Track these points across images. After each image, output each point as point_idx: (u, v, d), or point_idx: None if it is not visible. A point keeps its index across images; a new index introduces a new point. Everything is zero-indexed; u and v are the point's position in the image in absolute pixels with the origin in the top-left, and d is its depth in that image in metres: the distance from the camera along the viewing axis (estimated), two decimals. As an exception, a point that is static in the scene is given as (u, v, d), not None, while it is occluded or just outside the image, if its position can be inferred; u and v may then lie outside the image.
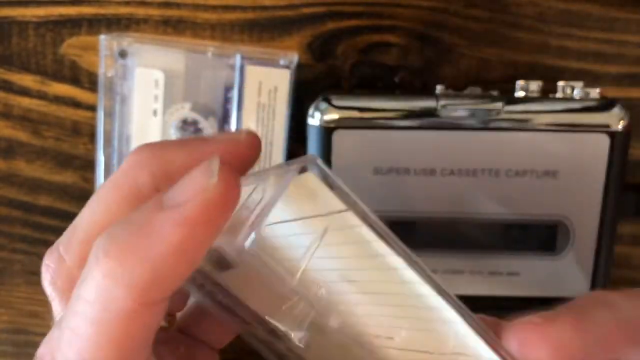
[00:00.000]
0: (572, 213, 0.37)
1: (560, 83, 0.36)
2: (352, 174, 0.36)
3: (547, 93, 0.36)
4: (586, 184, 0.36)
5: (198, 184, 0.18)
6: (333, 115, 0.35)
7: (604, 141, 0.35)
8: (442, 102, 0.35)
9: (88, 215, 0.23)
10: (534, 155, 0.37)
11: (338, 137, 0.36)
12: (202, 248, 0.19)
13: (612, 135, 0.35)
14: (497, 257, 0.37)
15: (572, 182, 0.36)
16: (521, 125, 0.35)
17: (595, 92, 0.35)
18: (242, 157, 0.23)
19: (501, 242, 0.37)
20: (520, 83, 0.36)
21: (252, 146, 0.23)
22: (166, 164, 0.22)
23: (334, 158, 0.36)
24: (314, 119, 0.35)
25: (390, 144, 0.36)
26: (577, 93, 0.36)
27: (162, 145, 0.23)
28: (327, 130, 0.35)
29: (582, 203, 0.36)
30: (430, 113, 0.35)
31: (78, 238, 0.23)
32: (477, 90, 0.36)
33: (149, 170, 0.22)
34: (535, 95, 0.36)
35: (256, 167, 0.38)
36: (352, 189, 0.36)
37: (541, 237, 0.37)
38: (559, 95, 0.36)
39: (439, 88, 0.36)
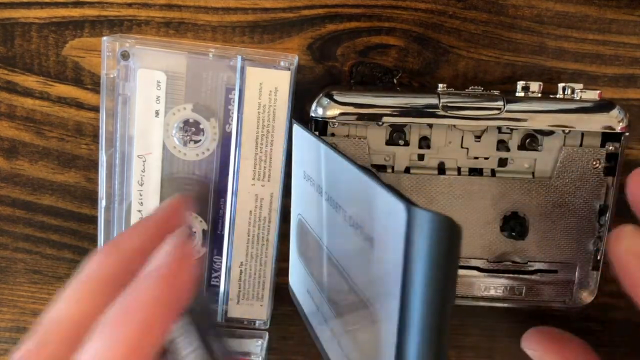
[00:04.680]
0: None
1: (561, 84, 0.37)
2: None
3: (547, 94, 0.37)
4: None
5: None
6: (335, 111, 0.35)
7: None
8: (444, 99, 0.35)
9: (70, 307, 0.25)
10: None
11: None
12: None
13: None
14: None
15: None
16: (521, 125, 0.36)
17: (594, 94, 0.36)
18: (174, 220, 0.29)
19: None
20: (521, 83, 0.36)
21: (177, 210, 0.29)
22: (123, 254, 0.26)
23: None
24: (316, 114, 0.36)
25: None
26: (576, 94, 0.36)
27: (115, 243, 0.27)
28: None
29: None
30: (431, 110, 0.35)
31: (65, 326, 0.25)
32: (479, 89, 0.37)
33: (111, 266, 0.26)
34: (535, 95, 0.36)
35: (257, 169, 0.38)
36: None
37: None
38: (559, 96, 0.36)
39: (440, 86, 0.37)
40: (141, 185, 0.39)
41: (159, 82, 0.38)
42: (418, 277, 0.21)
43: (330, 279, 0.32)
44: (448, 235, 0.21)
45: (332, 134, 0.36)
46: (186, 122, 0.39)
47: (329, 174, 0.31)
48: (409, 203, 0.22)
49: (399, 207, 0.22)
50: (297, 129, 0.36)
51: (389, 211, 0.23)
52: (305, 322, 0.37)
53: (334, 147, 0.31)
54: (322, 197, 0.32)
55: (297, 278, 0.38)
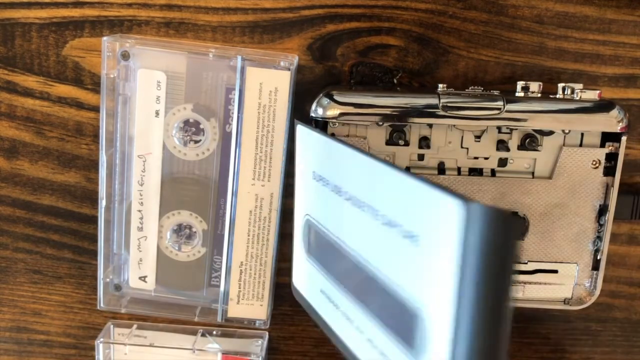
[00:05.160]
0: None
1: (560, 84, 0.37)
2: None
3: (547, 94, 0.37)
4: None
5: None
6: (335, 111, 0.36)
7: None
8: (444, 99, 0.35)
9: None
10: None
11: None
12: None
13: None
14: None
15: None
16: (521, 125, 0.36)
17: (594, 94, 0.36)
18: None
19: None
20: (520, 83, 0.37)
21: None
22: None
23: None
24: (316, 114, 0.36)
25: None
26: (576, 94, 0.36)
27: None
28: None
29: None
30: (431, 110, 0.35)
31: None
32: (479, 89, 0.37)
33: None
34: (535, 95, 0.36)
35: (257, 169, 0.38)
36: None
37: None
38: (559, 96, 0.36)
39: (440, 86, 0.37)
40: (141, 185, 0.39)
41: (159, 82, 0.38)
42: (473, 274, 0.21)
43: (355, 279, 0.32)
44: (507, 230, 0.20)
45: (332, 134, 0.36)
46: (186, 122, 0.39)
47: (350, 173, 0.31)
48: (464, 199, 0.22)
49: (455, 202, 0.22)
50: (302, 129, 0.36)
51: (439, 207, 0.23)
52: (318, 321, 0.37)
53: (356, 147, 0.31)
54: (340, 197, 0.32)
55: (306, 278, 0.38)
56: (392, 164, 0.28)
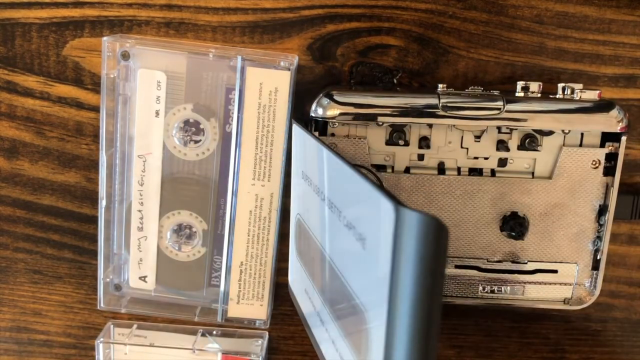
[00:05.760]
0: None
1: (560, 84, 0.37)
2: None
3: (547, 94, 0.37)
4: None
5: None
6: (335, 111, 0.36)
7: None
8: (444, 99, 0.35)
9: None
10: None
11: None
12: None
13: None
14: None
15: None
16: (521, 125, 0.36)
17: (594, 94, 0.36)
18: None
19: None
20: (520, 83, 0.37)
21: None
22: None
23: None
24: (316, 114, 0.36)
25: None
26: (576, 94, 0.36)
27: None
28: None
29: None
30: (431, 110, 0.35)
31: None
32: (479, 89, 0.37)
33: None
34: (535, 95, 0.36)
35: (257, 169, 0.38)
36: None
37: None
38: (558, 96, 0.36)
39: (440, 86, 0.37)
40: (141, 185, 0.39)
41: (159, 82, 0.38)
42: (405, 277, 0.21)
43: (327, 280, 0.32)
44: (435, 235, 0.20)
45: (332, 134, 0.36)
46: (186, 122, 0.39)
47: (326, 174, 0.31)
48: (397, 203, 0.22)
49: (388, 206, 0.22)
50: (296, 128, 0.36)
51: (380, 211, 0.23)
52: (303, 322, 0.37)
53: (329, 147, 0.31)
54: (319, 197, 0.32)
55: (296, 277, 0.38)
56: (347, 161, 0.27)
